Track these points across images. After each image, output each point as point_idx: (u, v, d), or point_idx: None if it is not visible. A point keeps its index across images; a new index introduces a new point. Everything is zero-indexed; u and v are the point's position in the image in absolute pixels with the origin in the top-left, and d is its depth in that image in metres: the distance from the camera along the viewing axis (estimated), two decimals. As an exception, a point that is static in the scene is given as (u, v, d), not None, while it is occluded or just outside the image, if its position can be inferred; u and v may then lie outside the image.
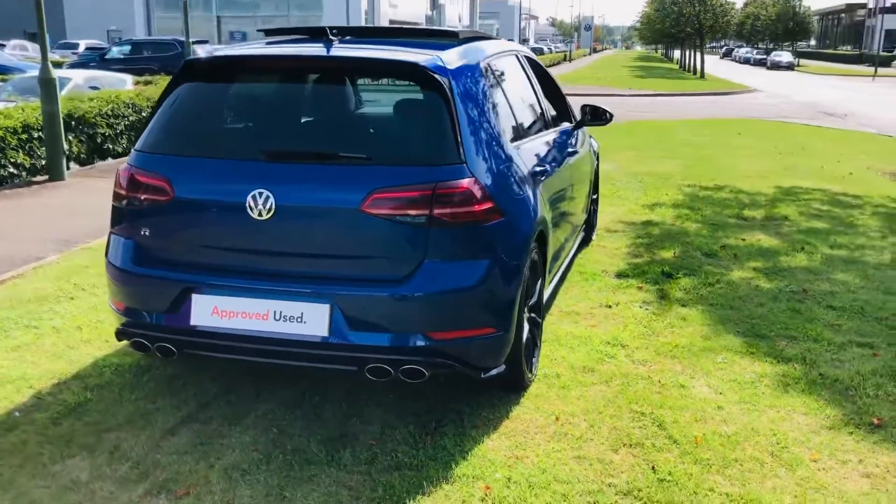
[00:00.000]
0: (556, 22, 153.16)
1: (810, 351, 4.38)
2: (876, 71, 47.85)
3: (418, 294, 3.24)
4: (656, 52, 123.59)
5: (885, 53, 62.95)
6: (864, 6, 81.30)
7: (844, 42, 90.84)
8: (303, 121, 3.72)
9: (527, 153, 4.06)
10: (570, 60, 70.56)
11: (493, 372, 3.49)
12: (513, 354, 3.58)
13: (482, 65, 3.85)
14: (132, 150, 3.68)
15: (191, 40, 21.46)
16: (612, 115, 5.68)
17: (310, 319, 3.28)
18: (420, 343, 3.27)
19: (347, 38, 3.84)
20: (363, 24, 46.88)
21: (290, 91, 3.82)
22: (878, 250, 6.64)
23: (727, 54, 78.89)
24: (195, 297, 3.40)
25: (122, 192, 3.58)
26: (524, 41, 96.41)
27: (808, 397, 3.83)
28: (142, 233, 3.53)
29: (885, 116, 21.15)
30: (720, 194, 9.00)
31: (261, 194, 3.27)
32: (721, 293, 5.36)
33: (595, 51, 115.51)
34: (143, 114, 11.42)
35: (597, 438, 3.42)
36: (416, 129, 3.47)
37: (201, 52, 24.69)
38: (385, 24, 55.27)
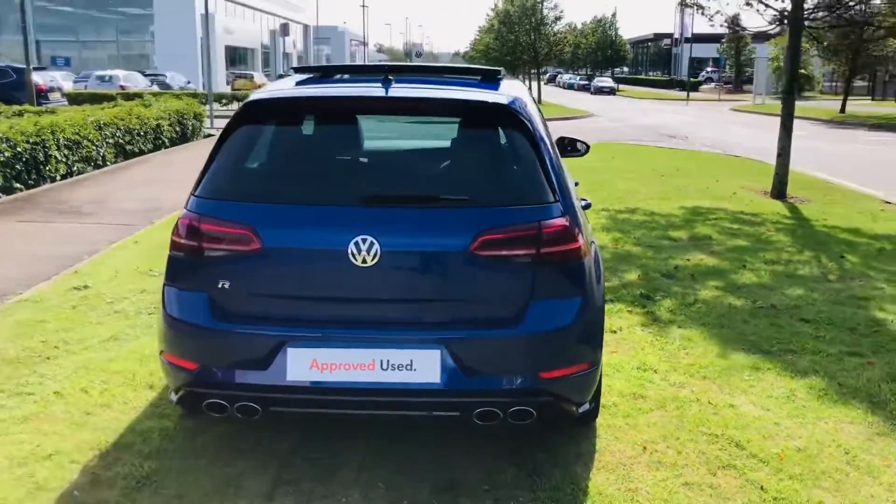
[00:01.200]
0: (385, 48, 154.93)
1: (816, 363, 4.73)
2: (688, 95, 52.01)
3: (530, 334, 3.23)
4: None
5: (694, 79, 68.28)
6: (669, 35, 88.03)
7: (654, 68, 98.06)
8: (392, 163, 3.62)
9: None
10: (407, 86, 71.51)
11: (586, 407, 3.53)
12: (597, 387, 3.64)
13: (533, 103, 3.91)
14: (192, 196, 3.42)
15: (31, 66, 19.91)
16: (588, 146, 5.72)
17: (420, 367, 3.19)
18: (530, 384, 3.26)
19: (400, 76, 3.77)
20: (199, 50, 45.47)
21: (370, 132, 3.71)
22: (805, 264, 7.26)
23: (551, 80, 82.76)
24: (291, 352, 3.21)
25: (190, 243, 3.33)
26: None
27: (844, 407, 4.14)
28: (220, 285, 3.29)
29: (724, 138, 22.96)
30: (637, 217, 9.48)
31: (364, 240, 3.16)
32: (704, 312, 5.67)
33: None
34: (20, 149, 10.53)
35: (690, 464, 3.54)
36: (508, 168, 3.46)
37: (39, 79, 22.98)
38: (221, 49, 54.01)
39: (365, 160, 3.60)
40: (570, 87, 75.25)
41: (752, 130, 26.02)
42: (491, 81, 3.87)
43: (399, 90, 3.60)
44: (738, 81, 69.18)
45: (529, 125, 3.44)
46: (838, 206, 10.82)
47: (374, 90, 3.59)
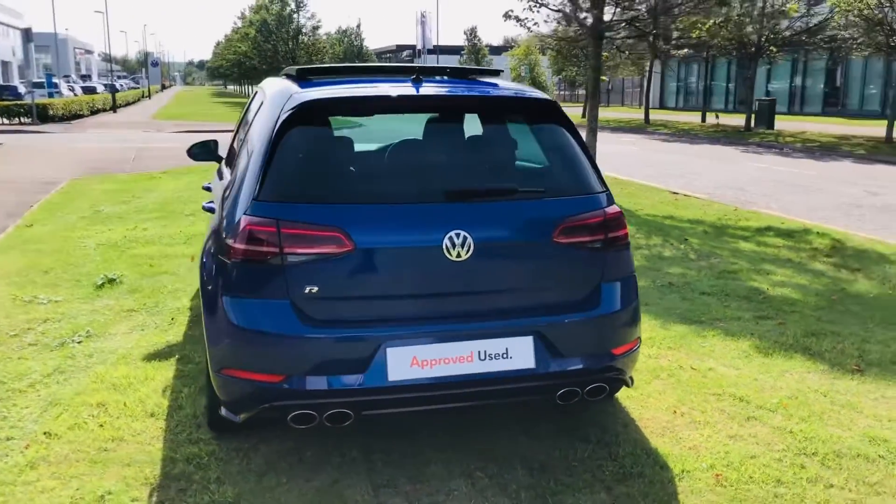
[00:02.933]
0: (113, 57, 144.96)
1: (743, 328, 5.41)
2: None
3: (606, 314, 3.47)
4: (226, 88, 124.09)
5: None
6: (412, 47, 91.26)
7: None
8: (461, 159, 3.65)
9: None
10: (150, 97, 67.83)
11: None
12: None
13: None
14: (253, 201, 3.25)
15: None
16: None
17: (515, 354, 3.31)
18: (606, 361, 3.50)
19: (425, 77, 3.82)
20: None
21: (433, 130, 3.72)
22: (662, 247, 8.13)
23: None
24: (390, 351, 3.19)
25: (266, 250, 3.18)
26: (85, 77, 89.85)
27: (795, 360, 4.80)
28: (307, 291, 3.18)
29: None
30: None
31: (458, 235, 3.22)
32: (623, 294, 6.21)
33: (164, 87, 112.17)
34: None
35: (720, 420, 3.96)
36: (563, 160, 3.63)
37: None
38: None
39: (434, 156, 3.62)
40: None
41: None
42: (496, 80, 4.06)
43: (448, 89, 3.69)
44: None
45: (567, 119, 3.68)
46: (642, 198, 12.07)
47: (430, 90, 3.63)
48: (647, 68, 34.98)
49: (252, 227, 3.20)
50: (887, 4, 20.64)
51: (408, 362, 3.20)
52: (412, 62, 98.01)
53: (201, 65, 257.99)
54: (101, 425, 3.84)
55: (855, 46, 22.29)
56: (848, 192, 13.23)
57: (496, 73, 4.27)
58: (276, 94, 3.70)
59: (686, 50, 23.75)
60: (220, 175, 4.94)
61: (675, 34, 18.15)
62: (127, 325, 5.40)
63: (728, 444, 3.69)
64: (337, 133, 3.63)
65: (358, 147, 3.72)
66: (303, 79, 3.90)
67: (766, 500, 3.23)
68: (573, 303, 3.45)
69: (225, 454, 3.54)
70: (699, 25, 19.64)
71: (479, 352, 3.27)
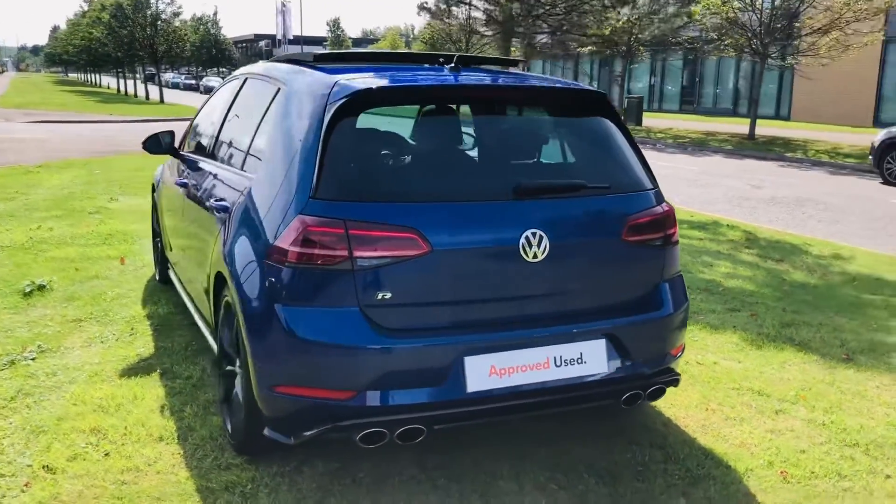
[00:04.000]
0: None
1: (721, 320, 5.51)
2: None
3: (670, 314, 3.39)
4: (66, 76, 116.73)
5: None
6: (271, 37, 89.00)
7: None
8: (524, 153, 3.43)
9: None
10: (-15, 84, 62.64)
11: None
12: None
13: None
14: (309, 200, 2.93)
15: None
16: None
17: (589, 359, 3.17)
18: (668, 361, 3.42)
19: (459, 66, 3.60)
20: None
21: (483, 122, 3.47)
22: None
23: (149, 79, 78.40)
24: (468, 360, 2.97)
25: (333, 253, 2.87)
26: None
27: (788, 352, 4.91)
28: (378, 297, 2.90)
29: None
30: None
31: (535, 234, 3.04)
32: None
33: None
34: None
35: (750, 414, 3.96)
36: (618, 155, 3.47)
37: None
38: None
39: (494, 150, 3.39)
40: (176, 86, 72.10)
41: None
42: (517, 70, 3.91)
43: (495, 79, 3.50)
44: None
45: (618, 113, 3.56)
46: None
47: (476, 79, 3.41)
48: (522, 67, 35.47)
49: (314, 228, 2.89)
50: (749, 7, 21.92)
51: (486, 371, 2.99)
52: (272, 52, 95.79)
53: (35, 50, 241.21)
54: (107, 454, 3.38)
55: (722, 47, 23.51)
56: (734, 186, 13.91)
57: (516, 63, 4.10)
58: (310, 82, 3.36)
59: (591, 47, 24.26)
60: (194, 168, 4.50)
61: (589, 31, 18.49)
62: (80, 337, 4.84)
63: (773, 440, 3.69)
64: (385, 127, 3.35)
65: (427, 140, 3.45)
66: (325, 65, 3.59)
67: (836, 495, 3.24)
68: (640, 303, 3.34)
69: (270, 479, 3.19)
70: (612, 23, 20.15)
71: (554, 357, 3.10)
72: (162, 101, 41.30)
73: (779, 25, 21.85)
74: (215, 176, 4.01)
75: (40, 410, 3.80)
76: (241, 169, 3.69)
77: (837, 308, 5.93)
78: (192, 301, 4.50)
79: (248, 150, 3.70)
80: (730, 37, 22.58)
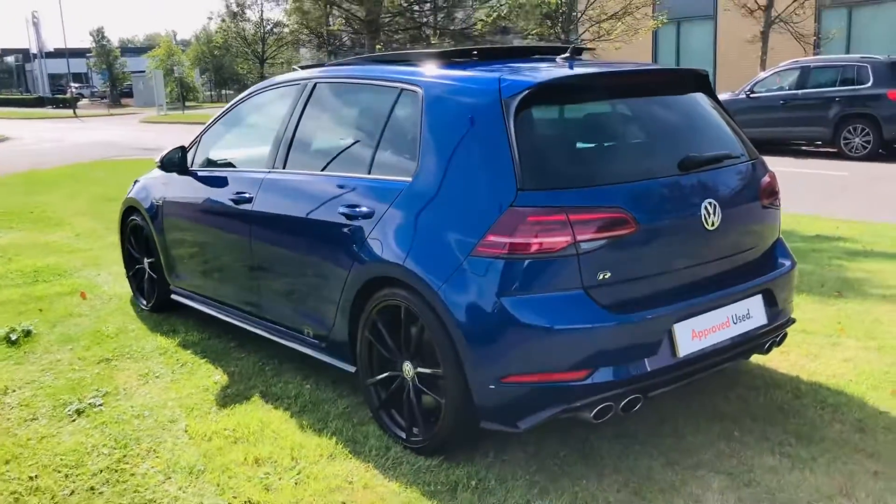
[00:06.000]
0: None
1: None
2: (75, 112, 49.82)
3: (793, 267, 3.79)
4: None
5: (63, 96, 64.42)
6: (22, 51, 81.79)
7: (3, 86, 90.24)
8: (673, 130, 3.64)
9: None
10: None
11: None
12: None
13: None
14: (519, 192, 3.02)
15: None
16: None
17: (755, 313, 3.50)
18: (791, 310, 3.82)
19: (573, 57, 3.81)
20: None
21: (635, 106, 3.65)
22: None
23: None
24: (677, 327, 3.20)
25: (559, 240, 2.99)
26: None
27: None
28: (600, 277, 3.05)
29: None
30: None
31: (711, 204, 3.33)
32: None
33: None
34: None
35: (812, 349, 4.48)
36: (726, 128, 3.78)
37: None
38: None
39: (650, 129, 3.60)
40: None
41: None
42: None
43: (627, 67, 3.75)
44: (115, 95, 68.06)
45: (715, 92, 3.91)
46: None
47: (616, 68, 3.64)
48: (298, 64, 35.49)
49: (534, 218, 2.99)
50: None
51: (689, 336, 3.24)
52: (23, 67, 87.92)
53: None
54: (297, 483, 3.24)
55: (530, 36, 24.75)
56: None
57: (585, 50, 4.33)
58: (463, 82, 3.41)
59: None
60: (252, 181, 4.31)
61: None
62: (127, 376, 4.47)
63: (856, 366, 4.21)
64: (553, 116, 3.48)
65: (598, 125, 3.60)
66: (452, 62, 3.67)
67: (946, 403, 3.79)
68: (776, 260, 3.72)
69: (485, 472, 3.23)
70: (484, 18, 20.51)
71: (732, 316, 3.41)
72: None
73: (562, 10, 23.27)
74: (320, 185, 3.89)
75: (173, 453, 3.54)
76: (368, 174, 3.64)
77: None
78: (269, 321, 4.32)
79: (375, 155, 3.66)
80: (538, 25, 23.75)
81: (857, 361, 4.30)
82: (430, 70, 3.63)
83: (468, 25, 21.33)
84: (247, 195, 4.30)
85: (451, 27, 18.53)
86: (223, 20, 34.03)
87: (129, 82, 70.09)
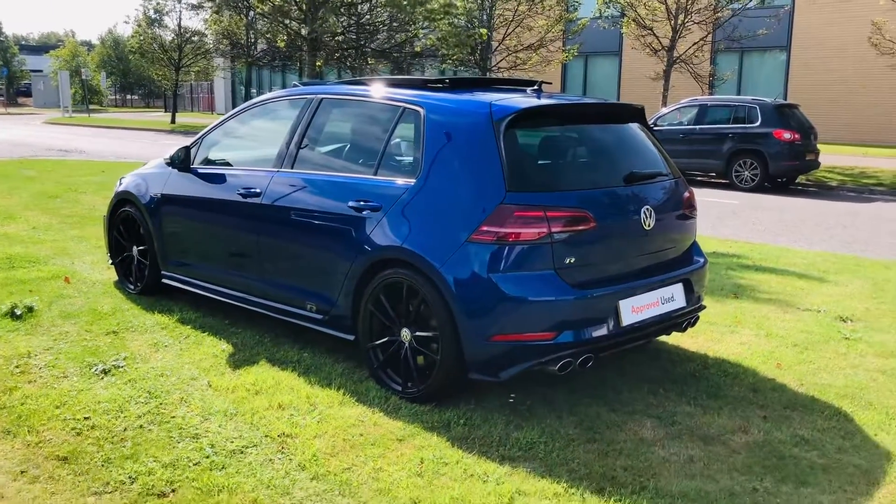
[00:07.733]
0: None
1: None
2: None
3: (707, 262, 4.82)
4: None
5: None
6: None
7: None
8: (619, 151, 4.57)
9: None
10: None
11: None
12: None
13: None
14: (507, 192, 3.91)
15: None
16: None
17: (677, 297, 4.50)
18: (702, 298, 4.84)
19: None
20: None
21: (584, 131, 4.56)
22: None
23: None
24: (622, 303, 4.14)
25: (539, 230, 3.88)
26: None
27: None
28: (567, 262, 3.96)
29: (113, 149, 22.99)
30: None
31: (648, 210, 4.30)
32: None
33: None
34: None
35: (719, 334, 5.53)
36: (656, 151, 4.77)
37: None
38: None
39: (605, 151, 4.54)
40: None
41: (113, 140, 26.73)
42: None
43: (591, 99, 4.70)
44: (12, 94, 65.77)
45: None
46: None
47: (579, 100, 4.59)
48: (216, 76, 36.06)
49: (519, 213, 3.88)
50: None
51: (630, 310, 4.19)
52: None
53: None
54: (320, 420, 3.99)
55: (449, 61, 25.87)
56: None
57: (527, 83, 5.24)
58: (458, 104, 4.28)
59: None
60: (257, 179, 5.03)
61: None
62: (139, 344, 5.09)
63: (750, 348, 5.27)
64: (532, 134, 4.36)
65: (566, 145, 4.51)
66: (446, 89, 4.53)
67: (814, 371, 4.88)
68: (693, 257, 4.73)
69: (471, 413, 4.07)
70: (421, 38, 21.25)
71: (660, 297, 4.38)
72: None
73: (482, 40, 24.60)
74: (329, 183, 4.65)
75: (204, 401, 4.21)
76: (375, 175, 4.45)
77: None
78: (268, 299, 5.02)
79: (380, 160, 4.46)
80: (459, 50, 24.84)
81: (750, 344, 5.37)
82: (428, 93, 4.48)
83: (402, 50, 22.29)
84: (255, 190, 5.02)
85: (387, 48, 19.36)
86: (139, 25, 33.77)
87: (27, 81, 67.89)
